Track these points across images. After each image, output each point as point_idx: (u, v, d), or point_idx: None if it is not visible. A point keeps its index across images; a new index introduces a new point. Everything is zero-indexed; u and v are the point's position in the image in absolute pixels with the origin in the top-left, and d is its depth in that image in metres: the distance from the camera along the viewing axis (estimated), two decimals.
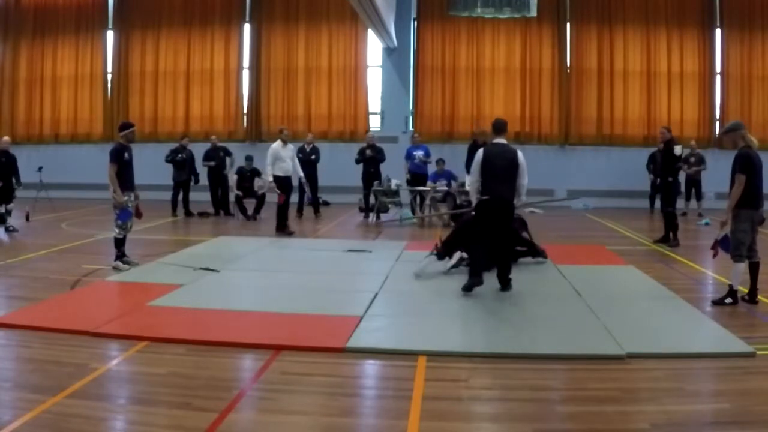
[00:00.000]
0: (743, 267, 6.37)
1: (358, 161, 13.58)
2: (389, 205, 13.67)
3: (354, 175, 14.03)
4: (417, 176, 13.42)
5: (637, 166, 15.71)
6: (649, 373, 4.53)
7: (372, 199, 13.38)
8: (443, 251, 7.82)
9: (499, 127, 7.01)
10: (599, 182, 16.32)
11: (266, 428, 3.72)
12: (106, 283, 7.29)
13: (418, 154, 13.48)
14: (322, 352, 4.93)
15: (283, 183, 11.36)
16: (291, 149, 11.66)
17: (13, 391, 4.19)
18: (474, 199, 6.94)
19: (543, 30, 16.77)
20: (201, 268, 7.78)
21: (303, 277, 7.58)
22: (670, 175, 10.23)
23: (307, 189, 12.93)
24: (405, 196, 14.03)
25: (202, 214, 13.92)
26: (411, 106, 17.29)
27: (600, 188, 16.28)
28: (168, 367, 4.61)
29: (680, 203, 11.60)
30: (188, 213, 13.92)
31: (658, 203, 13.53)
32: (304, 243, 10.34)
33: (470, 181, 7.24)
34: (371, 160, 13.37)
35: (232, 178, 13.74)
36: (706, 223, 12.97)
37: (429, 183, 13.19)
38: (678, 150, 10.32)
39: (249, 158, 13.80)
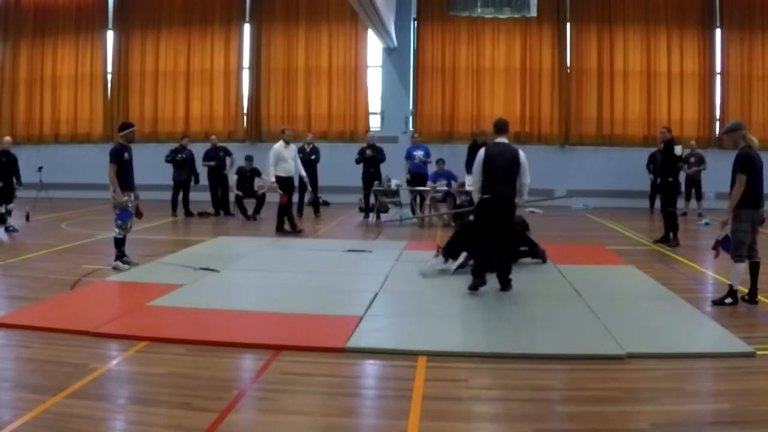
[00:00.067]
0: (743, 267, 6.37)
1: (358, 161, 13.58)
2: (389, 205, 13.67)
3: (354, 175, 14.03)
4: (417, 176, 13.42)
5: (637, 166, 15.71)
6: (649, 373, 4.53)
7: (372, 199, 13.38)
8: (446, 254, 7.83)
9: (501, 126, 7.06)
10: (599, 182, 16.32)
11: (266, 428, 3.72)
12: (106, 283, 7.29)
13: (418, 154, 13.49)
14: (322, 352, 4.93)
15: (285, 183, 11.32)
16: (293, 149, 11.63)
17: (13, 391, 4.19)
18: (476, 198, 6.96)
19: (543, 30, 16.77)
20: (201, 268, 7.78)
21: (303, 277, 7.58)
22: (670, 175, 10.23)
23: (309, 188, 12.92)
24: (405, 196, 14.03)
25: (202, 214, 13.93)
26: (411, 106, 17.29)
27: (600, 188, 16.27)
28: (168, 367, 4.61)
29: (680, 203, 11.60)
30: (188, 213, 13.92)
31: (658, 203, 13.54)
32: (304, 243, 10.34)
33: (472, 181, 7.27)
34: (371, 160, 13.37)
35: (232, 178, 13.74)
36: (706, 223, 12.97)
37: (429, 183, 13.19)
38: (678, 150, 10.33)
39: (249, 158, 13.80)
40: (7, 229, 11.21)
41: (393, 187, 13.42)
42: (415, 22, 17.26)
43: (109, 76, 18.20)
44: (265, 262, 8.69)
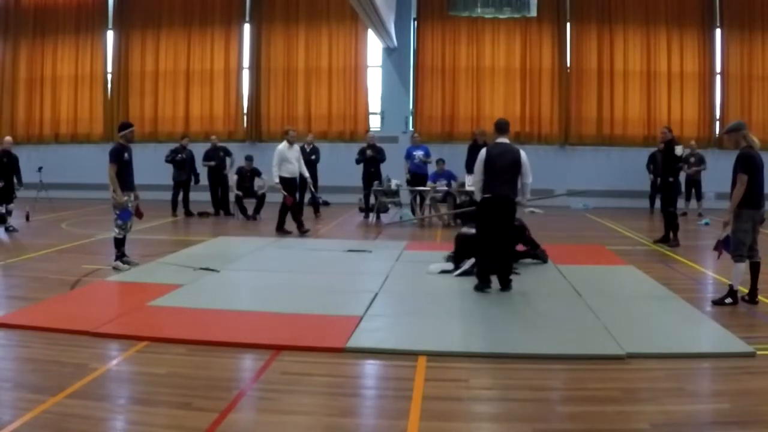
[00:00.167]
0: (744, 267, 6.36)
1: (358, 161, 13.58)
2: (389, 205, 13.67)
3: (354, 175, 14.03)
4: (417, 176, 13.41)
5: (637, 166, 15.71)
6: (649, 373, 4.53)
7: (372, 199, 13.39)
8: (455, 261, 7.82)
9: (502, 126, 7.11)
10: (599, 182, 16.30)
11: (266, 428, 3.72)
12: (106, 283, 7.28)
13: (418, 154, 13.48)
14: (322, 352, 4.93)
15: (289, 184, 11.23)
16: (297, 150, 11.56)
17: (13, 391, 4.19)
18: (478, 197, 7.00)
19: (543, 30, 16.77)
20: (201, 268, 7.78)
21: (303, 277, 7.58)
22: (670, 175, 10.23)
23: (312, 189, 12.90)
24: (405, 196, 14.04)
25: (202, 214, 13.93)
26: (411, 106, 17.29)
27: (600, 188, 16.27)
28: (168, 367, 4.61)
29: (680, 203, 11.59)
30: (188, 213, 13.92)
31: (658, 203, 13.54)
32: (304, 243, 10.34)
33: (473, 181, 7.31)
34: (371, 160, 13.37)
35: (232, 178, 13.74)
36: (706, 223, 12.97)
37: (429, 183, 13.19)
38: (679, 150, 10.34)
39: (249, 158, 13.80)
40: (7, 229, 11.21)
41: (393, 187, 13.41)
42: (415, 22, 17.27)
43: (109, 76, 18.21)
44: (265, 262, 8.68)
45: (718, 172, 13.45)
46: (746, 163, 6.34)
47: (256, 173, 13.59)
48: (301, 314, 5.90)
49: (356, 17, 15.37)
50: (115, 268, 7.93)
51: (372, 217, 13.32)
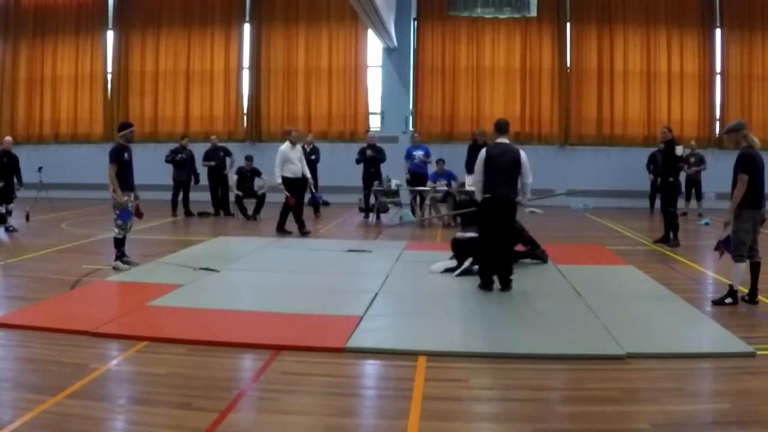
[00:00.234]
0: (744, 267, 6.36)
1: (358, 161, 13.58)
2: (389, 205, 13.68)
3: (354, 175, 14.03)
4: (417, 176, 13.42)
5: (637, 166, 15.71)
6: (649, 373, 4.53)
7: (372, 199, 13.38)
8: (457, 259, 7.84)
9: (502, 127, 7.13)
10: (599, 182, 16.30)
11: (266, 428, 3.72)
12: (106, 283, 7.28)
13: (418, 154, 13.49)
14: (322, 352, 4.93)
15: (292, 185, 11.17)
16: (299, 150, 11.53)
17: (13, 391, 4.19)
18: (479, 197, 7.02)
19: (543, 30, 16.77)
20: (201, 268, 7.78)
21: (303, 277, 7.58)
22: (671, 175, 10.23)
23: (313, 189, 12.91)
24: (405, 196, 14.04)
25: (202, 214, 13.93)
26: (411, 106, 17.29)
27: (600, 188, 16.27)
28: (168, 367, 4.61)
29: (680, 203, 11.59)
30: (188, 213, 13.92)
31: (658, 203, 13.54)
32: (304, 243, 10.34)
33: (474, 181, 7.32)
34: (372, 160, 13.37)
35: (232, 178, 13.74)
36: (706, 223, 12.98)
37: (429, 183, 13.18)
38: (679, 150, 10.34)
39: (249, 158, 13.80)
40: (7, 229, 11.21)
41: (393, 187, 13.42)
42: (415, 22, 17.27)
43: (109, 76, 18.21)
44: (265, 262, 8.68)
45: (718, 172, 13.46)
46: (747, 163, 6.34)
47: (256, 173, 13.59)
48: (301, 314, 5.90)
49: (356, 17, 15.37)
50: (115, 268, 7.93)
51: (372, 217, 13.32)
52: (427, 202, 13.20)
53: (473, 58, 16.97)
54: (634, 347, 4.93)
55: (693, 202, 14.43)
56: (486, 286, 6.86)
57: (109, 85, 18.20)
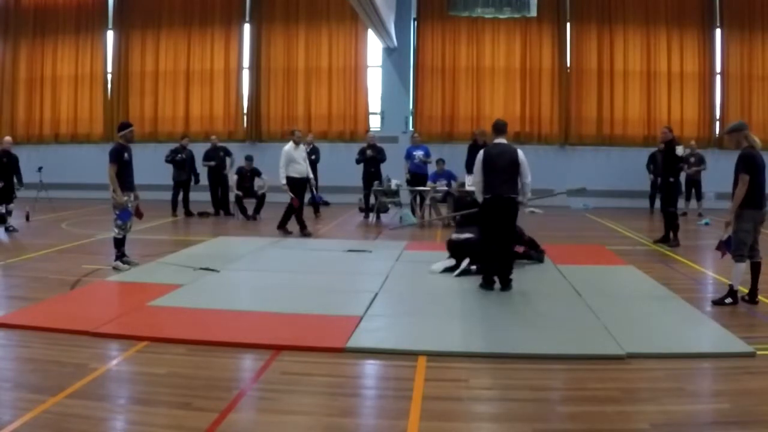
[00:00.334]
0: (744, 267, 6.36)
1: (358, 161, 13.58)
2: (389, 205, 13.68)
3: (354, 175, 14.03)
4: (417, 176, 13.41)
5: (637, 166, 15.71)
6: (649, 373, 4.53)
7: (372, 199, 13.38)
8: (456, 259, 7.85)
9: (499, 127, 7.17)
10: (599, 182, 16.27)
11: (266, 428, 3.72)
12: (106, 283, 7.28)
13: (418, 154, 13.49)
14: (322, 352, 4.93)
15: (297, 185, 11.14)
16: (303, 150, 11.51)
17: (13, 391, 4.19)
18: (479, 198, 7.03)
19: (543, 30, 16.77)
20: (201, 268, 7.78)
21: (303, 277, 7.58)
22: (671, 175, 10.23)
23: (313, 189, 12.92)
24: (405, 196, 14.04)
25: (202, 214, 13.93)
26: (411, 106, 17.29)
27: (600, 188, 16.26)
28: (168, 367, 4.61)
29: (680, 203, 11.59)
30: (188, 213, 13.92)
31: (658, 203, 13.54)
32: (304, 243, 10.34)
33: (473, 181, 7.34)
34: (372, 160, 13.37)
35: (232, 178, 13.74)
36: (706, 223, 12.98)
37: (429, 183, 13.19)
38: (680, 150, 10.34)
39: (249, 158, 13.79)
40: (7, 229, 11.21)
41: (393, 187, 13.42)
42: (415, 22, 17.26)
43: (109, 76, 18.21)
44: (265, 262, 8.68)
45: (718, 172, 13.46)
46: (748, 163, 6.34)
47: (256, 173, 13.59)
48: (301, 314, 5.90)
49: (356, 17, 15.37)
50: (115, 268, 7.93)
51: (372, 217, 13.32)
52: (427, 202, 13.20)
53: (473, 58, 16.96)
54: (634, 347, 4.93)
55: (693, 202, 14.43)
56: (487, 285, 6.87)
57: (109, 85, 18.20)
